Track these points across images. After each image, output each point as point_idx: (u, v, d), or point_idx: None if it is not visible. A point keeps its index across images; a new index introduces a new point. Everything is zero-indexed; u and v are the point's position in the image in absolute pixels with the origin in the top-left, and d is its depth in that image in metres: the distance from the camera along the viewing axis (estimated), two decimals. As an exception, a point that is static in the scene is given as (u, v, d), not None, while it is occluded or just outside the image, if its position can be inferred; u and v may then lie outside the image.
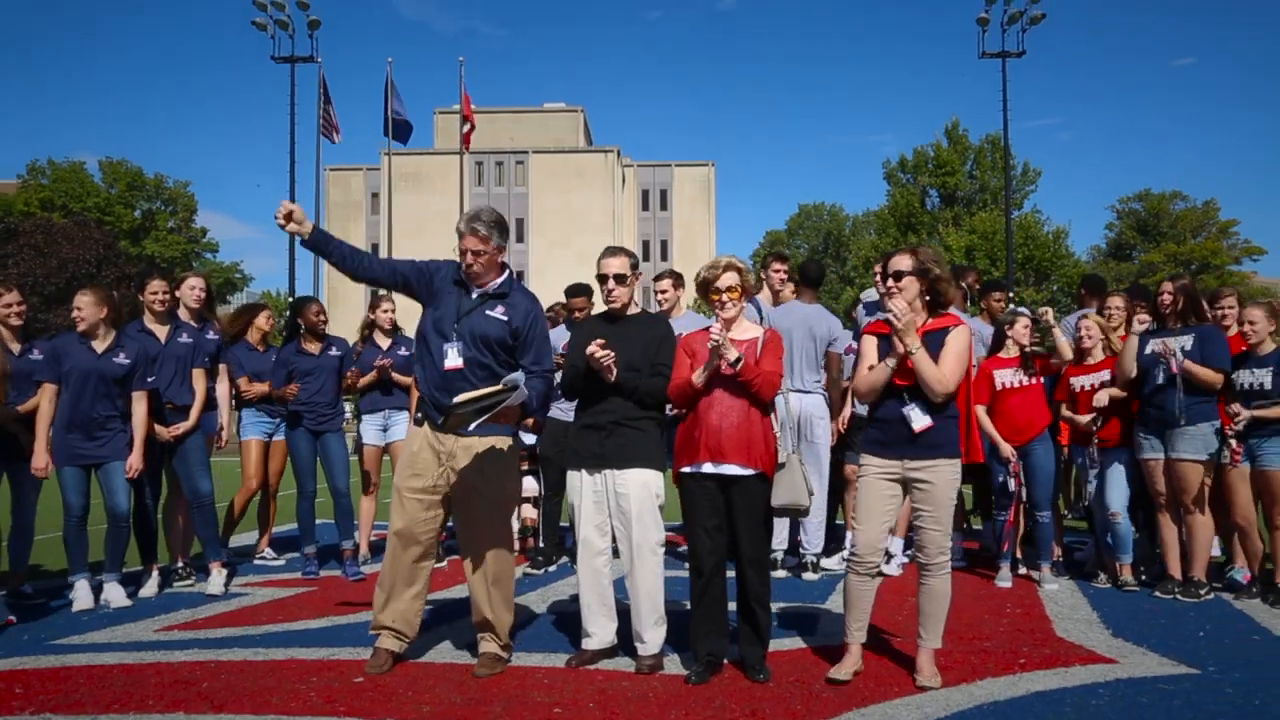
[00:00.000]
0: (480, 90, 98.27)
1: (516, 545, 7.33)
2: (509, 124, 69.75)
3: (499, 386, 3.96)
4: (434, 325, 4.32)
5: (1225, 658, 4.35)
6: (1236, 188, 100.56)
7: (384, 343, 7.22)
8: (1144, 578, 6.12)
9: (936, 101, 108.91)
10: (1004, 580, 6.13)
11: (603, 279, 4.54)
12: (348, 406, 7.82)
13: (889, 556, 6.63)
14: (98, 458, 5.66)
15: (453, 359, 4.21)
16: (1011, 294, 33.11)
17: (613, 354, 4.24)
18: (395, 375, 7.06)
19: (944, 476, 4.05)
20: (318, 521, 7.05)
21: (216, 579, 6.10)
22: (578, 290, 7.16)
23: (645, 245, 73.27)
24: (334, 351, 6.83)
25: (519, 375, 4.01)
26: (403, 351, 7.13)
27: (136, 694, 3.92)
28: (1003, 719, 3.55)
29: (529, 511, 7.28)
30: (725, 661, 4.25)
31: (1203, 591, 5.63)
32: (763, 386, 4.14)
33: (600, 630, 4.44)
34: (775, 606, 4.96)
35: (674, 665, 4.31)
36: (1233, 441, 5.45)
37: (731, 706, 3.72)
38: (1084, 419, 6.11)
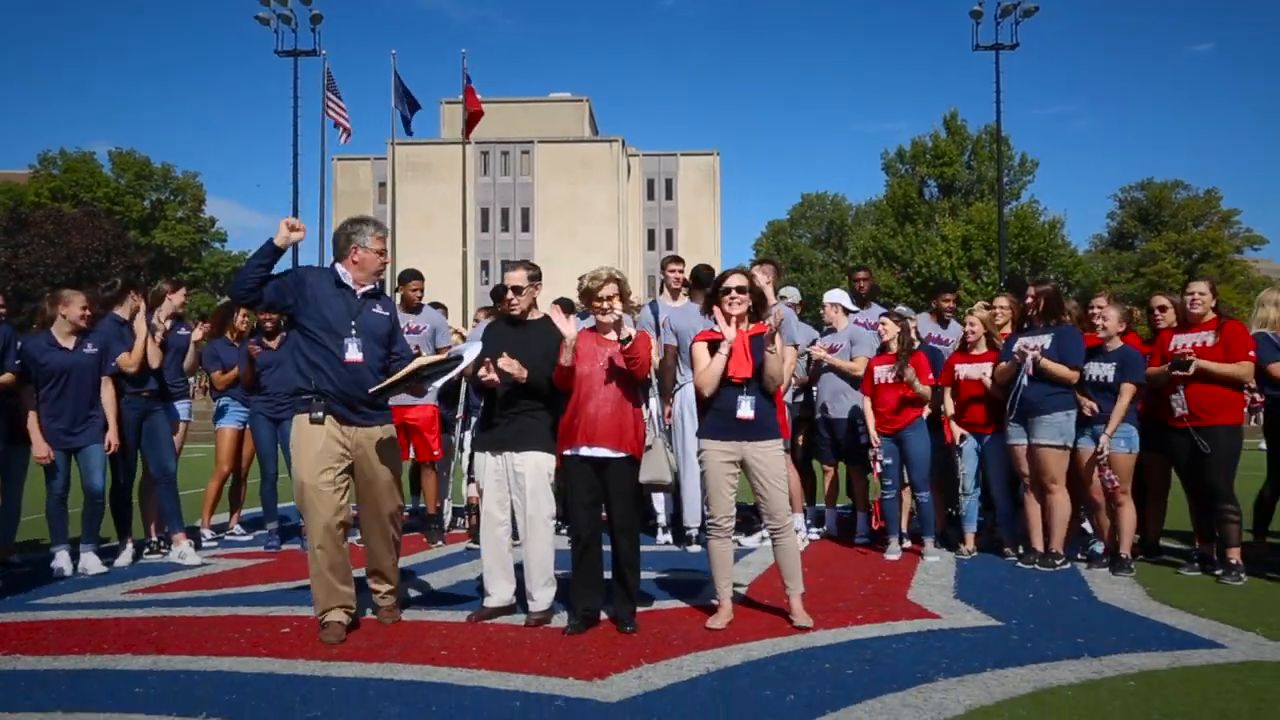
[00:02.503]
0: (487, 80, 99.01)
1: (460, 522, 8.08)
2: (515, 114, 70.23)
3: (440, 357, 4.91)
4: (328, 325, 4.72)
5: (1033, 614, 5.03)
6: (1238, 177, 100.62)
7: None
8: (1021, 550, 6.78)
9: (940, 91, 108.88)
10: (893, 553, 6.79)
11: (504, 289, 5.23)
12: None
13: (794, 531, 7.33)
14: (77, 444, 6.39)
15: (353, 353, 4.69)
16: (1004, 284, 33.73)
17: (515, 370, 4.87)
18: None
19: (774, 454, 4.82)
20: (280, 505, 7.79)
21: (182, 548, 6.81)
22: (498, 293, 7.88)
23: (650, 234, 73.77)
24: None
25: (462, 347, 4.83)
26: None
27: (94, 640, 4.63)
28: (814, 658, 4.22)
29: (471, 491, 7.97)
30: (602, 616, 4.93)
31: (1058, 562, 6.29)
32: (639, 368, 4.83)
33: (499, 590, 5.13)
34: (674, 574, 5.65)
35: (562, 621, 4.99)
36: (1103, 439, 6.11)
37: (591, 649, 4.40)
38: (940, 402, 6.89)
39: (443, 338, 7.81)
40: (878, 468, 6.75)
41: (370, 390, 4.67)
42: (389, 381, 4.69)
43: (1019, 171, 48.56)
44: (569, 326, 4.81)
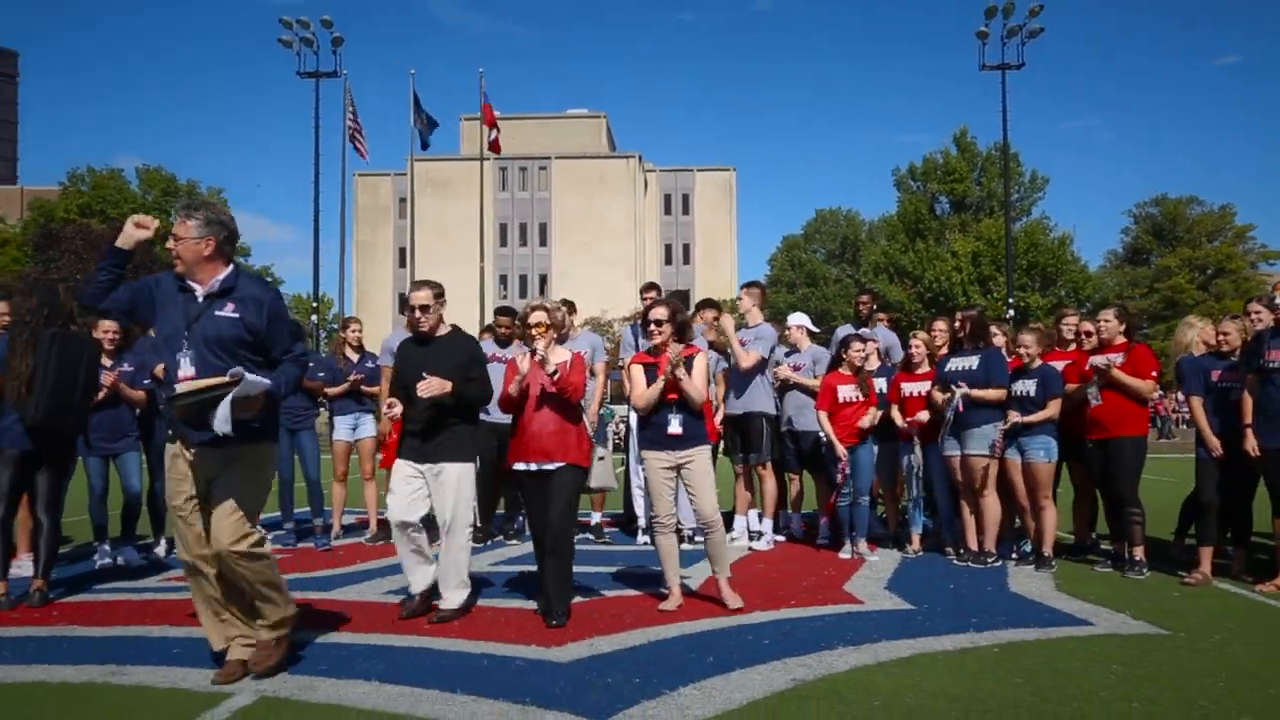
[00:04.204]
0: (505, 97, 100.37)
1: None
2: (533, 130, 71.35)
3: (224, 379, 3.92)
4: (166, 339, 4.20)
5: (944, 600, 5.77)
6: (1254, 192, 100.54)
7: (353, 357, 8.74)
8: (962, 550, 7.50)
9: (953, 105, 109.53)
10: (845, 553, 7.52)
11: (410, 309, 5.47)
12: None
13: (759, 534, 8.09)
14: (116, 450, 7.24)
15: (185, 369, 4.06)
16: (1011, 300, 34.32)
17: (441, 389, 5.20)
18: (364, 387, 8.58)
19: (701, 459, 5.58)
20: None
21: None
22: (503, 310, 8.64)
23: (668, 249, 74.64)
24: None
25: (239, 369, 3.97)
26: (370, 364, 8.64)
27: (138, 615, 5.47)
28: (739, 632, 4.97)
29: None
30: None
31: (990, 559, 7.01)
32: (571, 392, 5.39)
33: (420, 578, 5.45)
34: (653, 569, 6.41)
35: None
36: (998, 436, 6.86)
37: (554, 628, 5.16)
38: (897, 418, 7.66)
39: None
40: (842, 476, 7.43)
41: (167, 397, 4.05)
42: (185, 391, 3.98)
43: (1029, 188, 49.11)
44: (524, 362, 5.41)
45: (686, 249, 74.72)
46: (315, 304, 37.76)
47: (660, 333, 5.66)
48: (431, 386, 5.22)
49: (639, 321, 8.97)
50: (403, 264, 66.02)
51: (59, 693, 4.05)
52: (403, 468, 5.44)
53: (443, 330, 5.58)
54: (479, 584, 6.05)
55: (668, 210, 75.25)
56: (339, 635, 4.99)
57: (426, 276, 8.99)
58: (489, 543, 8.38)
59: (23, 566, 6.49)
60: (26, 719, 3.73)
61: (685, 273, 73.30)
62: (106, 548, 7.31)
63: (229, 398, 3.88)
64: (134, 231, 4.17)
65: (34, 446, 5.94)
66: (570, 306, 8.45)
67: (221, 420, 3.89)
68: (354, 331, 8.81)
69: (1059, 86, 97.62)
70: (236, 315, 4.17)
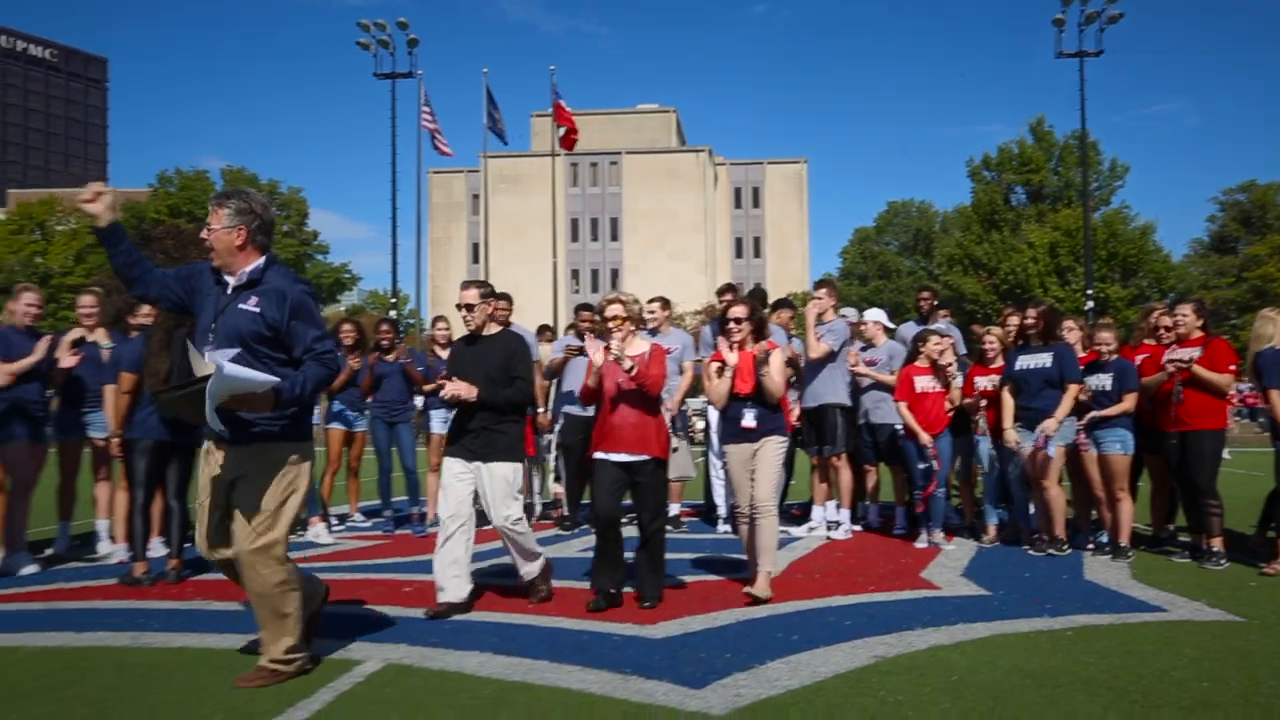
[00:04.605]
0: (575, 93, 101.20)
1: (548, 512, 9.26)
2: (603, 126, 71.86)
3: (202, 375, 3.71)
4: (199, 334, 4.07)
5: (1020, 587, 5.97)
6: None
7: (443, 354, 9.18)
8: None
9: (1028, 94, 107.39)
10: (921, 542, 7.73)
11: (459, 308, 5.57)
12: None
13: (837, 524, 8.34)
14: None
15: (205, 367, 3.80)
16: (1091, 291, 33.75)
17: (464, 392, 5.30)
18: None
19: (772, 449, 5.76)
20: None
21: (317, 529, 8.17)
22: (584, 306, 9.00)
23: (738, 242, 74.61)
24: (403, 359, 8.82)
25: (221, 358, 3.75)
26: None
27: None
28: (823, 613, 5.25)
29: (557, 488, 9.19)
30: (622, 591, 5.61)
31: (1061, 548, 7.17)
32: (650, 385, 5.52)
33: (453, 588, 5.35)
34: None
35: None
36: (1081, 433, 7.02)
37: (646, 610, 5.49)
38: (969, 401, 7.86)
39: (533, 352, 9.01)
40: (937, 463, 7.63)
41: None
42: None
43: (1108, 177, 48.13)
44: (597, 355, 5.52)
45: (757, 242, 74.61)
46: (394, 300, 38.67)
47: (739, 330, 5.88)
48: (456, 389, 5.35)
49: (717, 319, 9.30)
50: (476, 259, 67.09)
51: (206, 657, 4.51)
52: (452, 465, 5.51)
53: (492, 329, 5.67)
54: (569, 567, 6.42)
55: (738, 204, 75.19)
56: (457, 612, 5.38)
57: (500, 272, 9.29)
58: (576, 530, 8.75)
59: (153, 548, 7.03)
60: (185, 679, 4.17)
61: (756, 266, 73.19)
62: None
63: (208, 393, 3.63)
64: (90, 204, 3.94)
65: (167, 438, 6.47)
66: (664, 303, 8.77)
67: (210, 418, 3.68)
68: (442, 329, 9.26)
69: (1139, 72, 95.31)
70: (257, 310, 4.00)
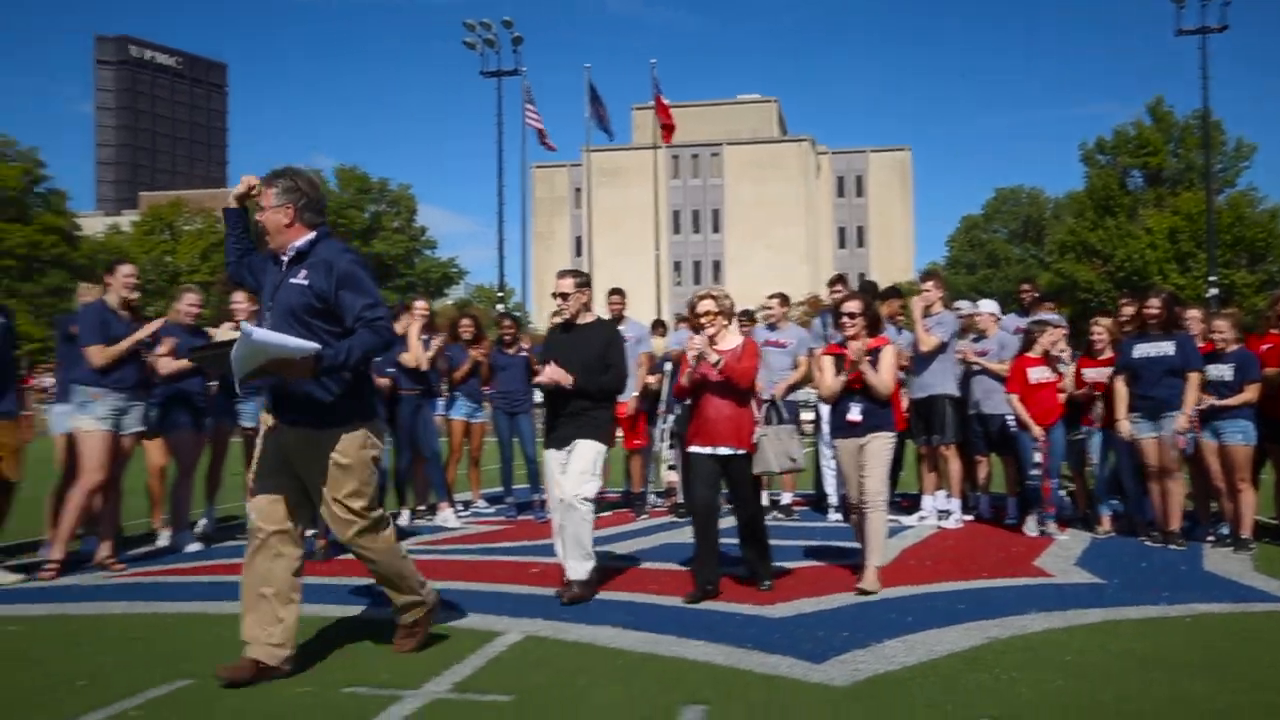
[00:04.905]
0: (676, 84, 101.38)
1: (660, 501, 9.57)
2: (704, 117, 71.97)
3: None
4: (260, 311, 4.29)
5: (1136, 576, 6.02)
6: None
7: (510, 352, 9.48)
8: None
9: (1143, 75, 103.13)
10: (1030, 529, 7.77)
11: (555, 296, 5.76)
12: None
13: (947, 514, 8.44)
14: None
15: None
16: (1214, 277, 32.46)
17: (560, 378, 5.44)
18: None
19: (879, 445, 5.81)
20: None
21: (445, 514, 8.65)
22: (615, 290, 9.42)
23: (841, 232, 73.93)
24: (524, 352, 9.24)
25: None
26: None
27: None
28: (936, 597, 5.42)
29: (670, 476, 9.49)
30: (718, 582, 5.63)
31: (1179, 541, 7.14)
32: (739, 378, 5.55)
33: (578, 565, 5.50)
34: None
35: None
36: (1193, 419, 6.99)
37: (760, 592, 5.74)
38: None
39: (645, 345, 9.31)
40: (1044, 457, 7.67)
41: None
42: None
43: (1233, 158, 46.06)
44: (709, 353, 5.53)
45: (860, 232, 73.82)
46: (500, 293, 39.56)
47: (853, 325, 5.96)
48: (550, 375, 5.49)
49: (827, 312, 9.45)
50: (579, 253, 68.04)
51: (360, 625, 4.94)
52: (551, 459, 5.67)
53: (587, 318, 5.78)
54: (684, 552, 6.69)
55: (841, 193, 74.49)
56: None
57: (602, 265, 9.54)
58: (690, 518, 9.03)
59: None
60: (343, 643, 4.59)
61: (859, 256, 72.42)
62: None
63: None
64: (236, 190, 4.27)
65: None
66: (783, 299, 8.98)
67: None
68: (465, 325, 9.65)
69: (1268, 47, 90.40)
70: (306, 282, 4.01)
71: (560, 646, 4.53)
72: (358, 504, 4.12)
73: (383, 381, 8.22)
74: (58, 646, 4.63)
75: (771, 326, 9.44)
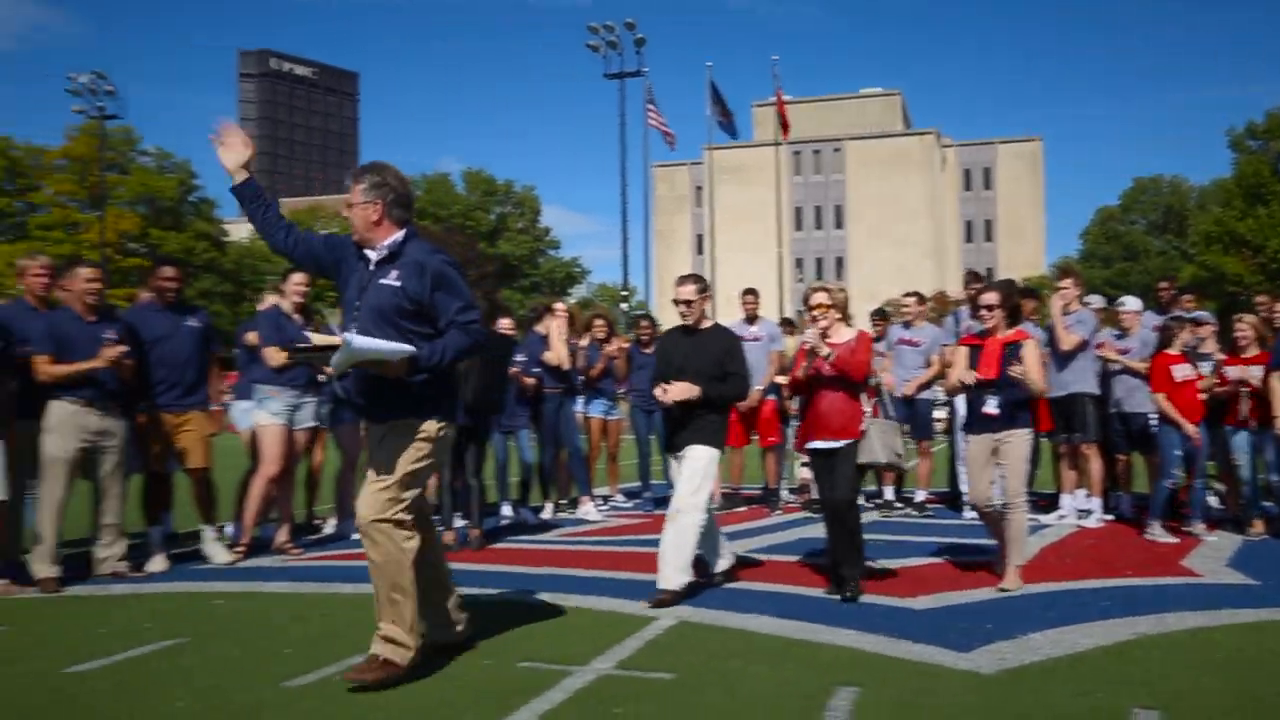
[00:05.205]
0: (797, 79, 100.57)
1: (793, 497, 9.72)
2: (826, 112, 71.33)
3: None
4: (345, 308, 4.13)
5: (1286, 577, 5.91)
6: None
7: (647, 352, 9.77)
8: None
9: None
10: (1156, 535, 7.61)
11: (676, 303, 5.76)
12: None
13: (1088, 513, 8.35)
14: (513, 427, 8.70)
15: None
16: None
17: (687, 394, 5.45)
18: None
19: (1019, 443, 5.77)
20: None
21: (588, 508, 9.02)
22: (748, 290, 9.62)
23: (968, 226, 72.18)
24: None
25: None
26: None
27: (549, 560, 6.77)
28: (1079, 594, 5.44)
29: (804, 473, 9.65)
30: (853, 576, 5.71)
31: (1339, 545, 6.95)
32: (852, 372, 5.57)
33: (673, 576, 5.40)
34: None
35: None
36: None
37: (901, 586, 5.87)
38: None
39: (778, 344, 9.49)
40: (1196, 455, 7.55)
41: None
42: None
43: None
44: (821, 345, 5.56)
45: (988, 225, 71.91)
46: (625, 292, 40.11)
47: (992, 317, 5.90)
48: (677, 391, 5.49)
49: (961, 310, 9.45)
50: (700, 251, 68.26)
51: (522, 608, 5.30)
52: (673, 469, 5.79)
53: (705, 323, 5.79)
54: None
55: (967, 186, 72.73)
56: (727, 584, 5.97)
57: (723, 263, 9.67)
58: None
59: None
60: (502, 622, 4.94)
61: (987, 251, 70.57)
62: (507, 509, 8.83)
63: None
64: (226, 156, 4.11)
65: (466, 424, 7.41)
66: (920, 298, 9.04)
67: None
68: (645, 328, 9.92)
69: None
70: (398, 283, 3.98)
71: (711, 631, 4.79)
72: (405, 493, 4.03)
73: (528, 380, 8.64)
74: (258, 620, 5.13)
75: (907, 325, 9.49)
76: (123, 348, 6.09)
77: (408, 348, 3.88)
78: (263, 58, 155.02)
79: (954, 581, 5.93)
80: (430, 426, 4.06)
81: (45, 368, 5.93)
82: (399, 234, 4.09)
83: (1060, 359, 8.30)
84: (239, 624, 5.05)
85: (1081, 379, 8.26)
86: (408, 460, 4.02)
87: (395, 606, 4.02)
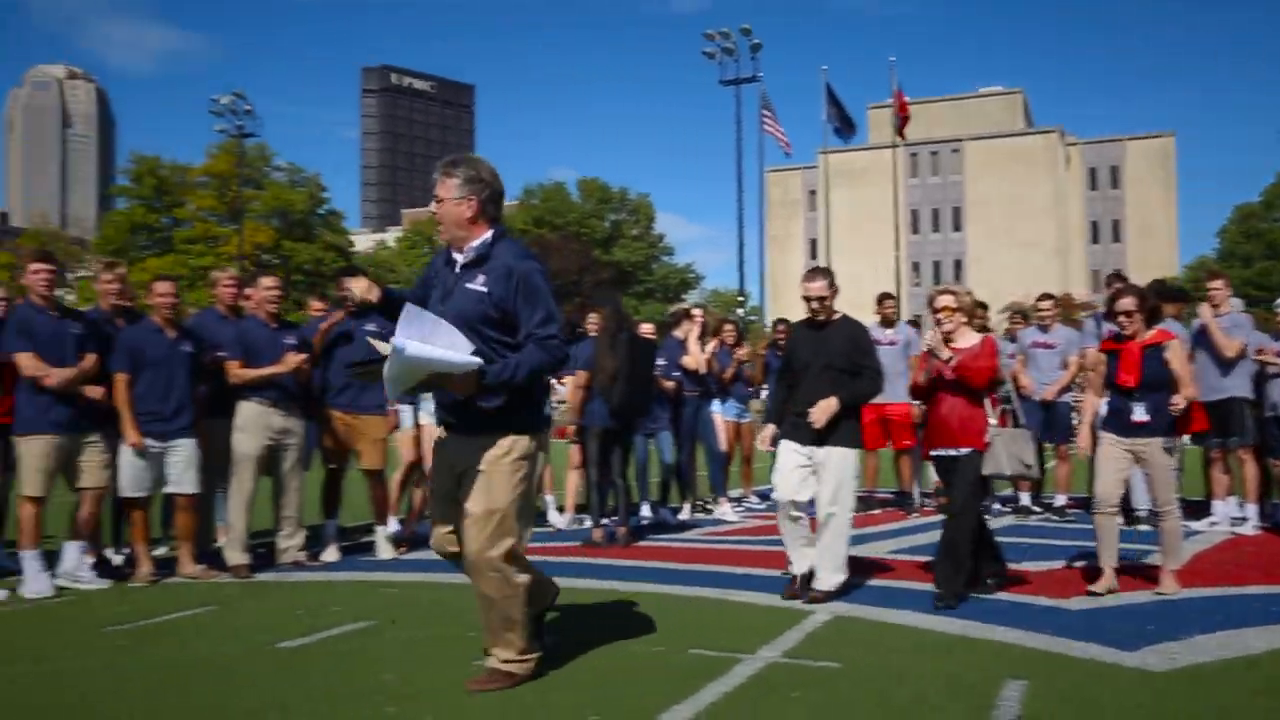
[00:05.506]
0: (913, 80, 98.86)
1: (931, 503, 9.72)
2: (943, 113, 69.90)
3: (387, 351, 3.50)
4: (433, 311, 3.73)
5: None
6: None
7: None
8: None
9: None
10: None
11: (807, 299, 5.65)
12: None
13: (1243, 520, 8.14)
14: (654, 429, 8.95)
15: None
16: None
17: (832, 410, 5.37)
18: None
19: (1158, 450, 5.59)
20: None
21: (725, 509, 9.22)
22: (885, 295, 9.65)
23: (1094, 226, 69.76)
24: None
25: (403, 339, 3.42)
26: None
27: (705, 558, 6.97)
28: (1246, 601, 5.36)
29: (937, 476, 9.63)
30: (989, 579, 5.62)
31: None
32: (974, 378, 5.46)
33: (801, 559, 5.59)
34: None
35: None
36: None
37: (1050, 587, 5.87)
38: None
39: (915, 348, 9.50)
40: None
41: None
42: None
43: None
44: (942, 349, 5.50)
45: (1116, 226, 69.32)
46: (741, 297, 40.19)
47: (1131, 323, 5.71)
48: (820, 414, 5.40)
49: (1099, 314, 9.30)
50: (813, 255, 67.67)
51: (679, 600, 5.52)
52: (788, 448, 5.61)
53: (834, 317, 5.71)
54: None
55: (1093, 185, 70.26)
56: (876, 580, 6.08)
57: (838, 267, 9.73)
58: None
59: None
60: (684, 619, 5.16)
61: (1114, 252, 68.03)
62: (646, 509, 9.08)
63: (385, 376, 3.49)
64: (363, 294, 3.79)
65: (614, 426, 7.70)
66: (1054, 300, 8.97)
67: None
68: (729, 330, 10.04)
69: None
70: (484, 289, 3.70)
71: (869, 625, 4.92)
72: (515, 521, 3.75)
73: (668, 384, 8.88)
74: (436, 605, 5.49)
75: (1043, 328, 9.40)
76: (303, 355, 6.58)
77: (473, 360, 3.55)
78: (384, 74, 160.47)
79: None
80: (524, 444, 3.77)
81: (236, 371, 6.43)
82: (488, 234, 3.82)
83: (1215, 362, 8.10)
84: (419, 609, 5.42)
85: (1236, 382, 8.06)
86: (508, 488, 3.73)
87: (508, 635, 3.85)
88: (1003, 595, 5.59)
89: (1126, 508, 8.96)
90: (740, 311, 38.74)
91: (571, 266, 54.94)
